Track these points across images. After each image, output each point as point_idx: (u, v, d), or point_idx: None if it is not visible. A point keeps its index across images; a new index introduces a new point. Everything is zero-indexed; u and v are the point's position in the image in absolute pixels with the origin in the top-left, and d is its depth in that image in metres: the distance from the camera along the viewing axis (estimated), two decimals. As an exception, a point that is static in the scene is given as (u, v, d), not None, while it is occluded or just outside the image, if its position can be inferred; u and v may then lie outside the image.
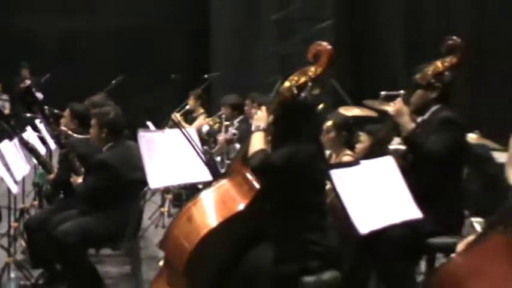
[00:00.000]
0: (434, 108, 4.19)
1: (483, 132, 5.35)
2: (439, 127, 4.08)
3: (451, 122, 4.13)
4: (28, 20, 12.72)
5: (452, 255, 3.08)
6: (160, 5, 12.64)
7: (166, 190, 7.09)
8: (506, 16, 7.59)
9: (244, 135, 6.52)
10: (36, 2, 12.82)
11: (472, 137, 5.10)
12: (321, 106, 3.92)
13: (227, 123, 7.36)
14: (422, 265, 4.39)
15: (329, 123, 4.65)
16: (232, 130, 7.24)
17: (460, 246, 3.08)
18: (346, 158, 4.58)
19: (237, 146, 6.78)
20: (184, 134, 3.99)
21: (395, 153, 4.06)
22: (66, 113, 5.61)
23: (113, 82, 8.40)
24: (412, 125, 4.08)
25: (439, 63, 4.17)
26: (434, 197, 3.98)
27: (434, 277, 3.08)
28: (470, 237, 3.10)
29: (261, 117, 3.76)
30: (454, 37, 4.25)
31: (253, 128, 3.76)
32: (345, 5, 10.45)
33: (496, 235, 2.91)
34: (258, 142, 3.68)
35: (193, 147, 3.98)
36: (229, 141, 7.11)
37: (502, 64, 7.18)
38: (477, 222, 4.94)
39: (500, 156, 4.84)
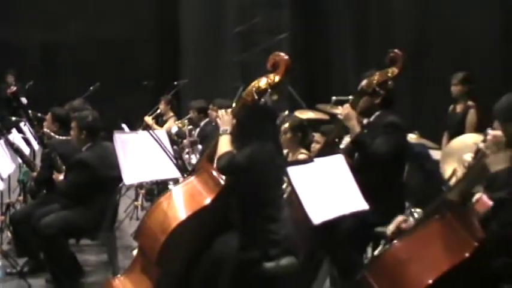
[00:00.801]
0: (378, 112, 4.25)
1: (421, 133, 5.44)
2: (384, 130, 4.14)
3: (394, 125, 4.19)
4: (11, 30, 12.51)
5: (394, 241, 3.13)
6: (133, 19, 12.57)
7: (139, 186, 7.07)
8: (445, 29, 7.73)
9: (210, 136, 6.53)
10: (19, 12, 12.60)
11: (412, 137, 5.18)
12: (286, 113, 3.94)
13: (190, 127, 7.35)
14: (369, 251, 4.45)
15: (286, 125, 4.68)
16: (194, 133, 7.24)
17: (391, 226, 3.16)
18: (302, 157, 4.62)
19: (200, 147, 6.78)
20: (153, 136, 3.98)
21: (345, 152, 4.11)
22: (48, 116, 5.58)
23: (91, 88, 8.34)
24: (359, 128, 4.13)
25: (382, 73, 4.23)
26: (380, 191, 4.00)
27: (378, 260, 3.14)
28: (399, 218, 3.18)
29: (226, 120, 3.76)
30: (396, 50, 4.31)
31: (220, 131, 3.76)
32: (301, 19, 10.50)
33: (432, 223, 2.99)
34: (225, 144, 3.69)
35: (162, 147, 3.97)
36: (193, 144, 7.10)
37: (439, 74, 7.30)
38: (416, 213, 5.02)
39: (435, 154, 4.93)
